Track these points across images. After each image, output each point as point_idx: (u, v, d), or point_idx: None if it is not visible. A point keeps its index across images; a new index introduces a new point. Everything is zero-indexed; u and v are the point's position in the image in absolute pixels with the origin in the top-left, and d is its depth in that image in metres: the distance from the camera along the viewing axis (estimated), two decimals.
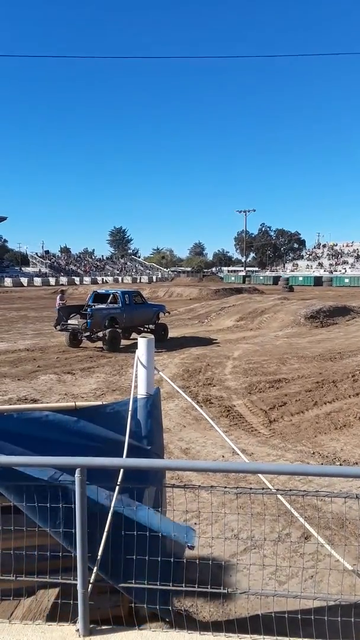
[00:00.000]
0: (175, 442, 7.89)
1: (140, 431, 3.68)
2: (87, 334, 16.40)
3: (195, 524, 4.96)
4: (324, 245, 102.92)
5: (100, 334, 16.27)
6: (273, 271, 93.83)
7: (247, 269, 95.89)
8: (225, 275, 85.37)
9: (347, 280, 67.34)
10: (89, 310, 16.48)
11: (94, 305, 17.15)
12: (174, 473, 6.24)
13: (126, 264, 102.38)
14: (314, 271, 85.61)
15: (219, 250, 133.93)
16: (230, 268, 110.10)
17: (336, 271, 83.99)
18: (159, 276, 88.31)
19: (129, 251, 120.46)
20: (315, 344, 18.28)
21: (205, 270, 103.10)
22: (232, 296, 35.91)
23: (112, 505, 2.98)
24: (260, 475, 3.60)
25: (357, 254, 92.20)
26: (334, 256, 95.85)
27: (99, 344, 16.47)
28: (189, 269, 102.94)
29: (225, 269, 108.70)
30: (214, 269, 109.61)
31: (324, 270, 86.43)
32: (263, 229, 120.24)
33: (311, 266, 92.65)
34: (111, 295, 18.10)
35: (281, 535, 4.86)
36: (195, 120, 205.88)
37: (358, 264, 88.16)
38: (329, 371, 12.98)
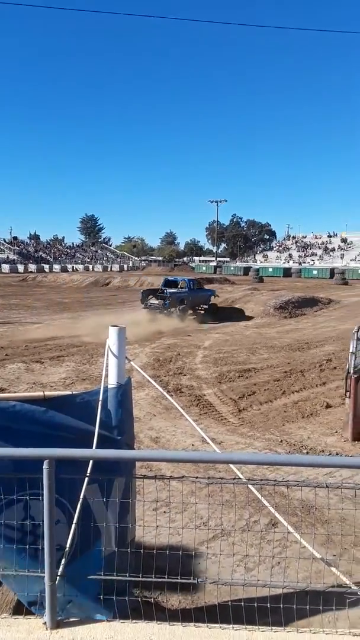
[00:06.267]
0: (146, 431, 7.87)
1: (111, 421, 3.63)
2: (165, 311, 21.32)
3: (165, 512, 4.97)
4: (294, 237, 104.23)
5: (172, 310, 21.45)
6: (244, 262, 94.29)
7: (218, 259, 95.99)
8: (197, 265, 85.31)
9: (315, 272, 68.32)
10: (166, 293, 21.79)
11: (166, 290, 22.31)
12: (144, 461, 6.22)
13: (97, 252, 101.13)
14: (283, 262, 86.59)
15: (190, 240, 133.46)
16: (202, 258, 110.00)
17: (305, 263, 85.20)
18: (130, 265, 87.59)
19: (100, 239, 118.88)
20: (284, 334, 18.54)
21: (177, 259, 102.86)
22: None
23: (82, 496, 2.93)
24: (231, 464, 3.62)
25: (325, 247, 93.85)
26: (303, 248, 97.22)
27: None
28: (160, 258, 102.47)
29: (196, 258, 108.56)
30: (185, 259, 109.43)
31: (293, 262, 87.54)
32: (234, 219, 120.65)
33: (281, 257, 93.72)
34: (180, 281, 23.98)
35: (249, 522, 4.92)
36: (167, 109, 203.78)
37: (326, 257, 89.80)
38: (297, 361, 13.19)
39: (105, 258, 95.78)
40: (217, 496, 5.12)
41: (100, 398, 3.51)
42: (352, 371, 7.87)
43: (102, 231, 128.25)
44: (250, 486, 3.62)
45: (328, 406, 9.33)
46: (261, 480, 3.27)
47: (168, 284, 23.48)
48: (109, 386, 3.71)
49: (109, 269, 78.45)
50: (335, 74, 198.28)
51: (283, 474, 6.09)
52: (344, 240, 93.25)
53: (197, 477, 3.05)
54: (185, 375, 11.75)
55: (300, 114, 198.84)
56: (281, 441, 7.66)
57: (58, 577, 2.72)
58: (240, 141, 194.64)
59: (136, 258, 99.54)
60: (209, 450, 5.93)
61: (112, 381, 3.74)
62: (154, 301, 21.85)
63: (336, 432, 8.05)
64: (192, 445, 7.36)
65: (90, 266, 79.96)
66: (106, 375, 3.73)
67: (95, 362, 12.57)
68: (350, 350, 7.95)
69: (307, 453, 7.20)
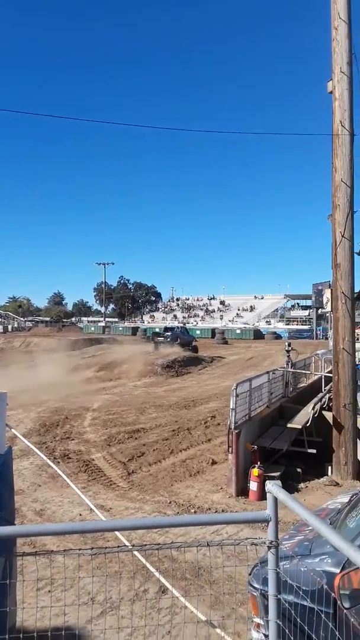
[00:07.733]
0: (29, 504, 7.40)
1: None
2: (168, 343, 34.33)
3: (49, 591, 4.66)
4: (177, 299, 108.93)
5: (173, 343, 34.08)
6: (132, 322, 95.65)
7: (107, 319, 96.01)
8: (85, 326, 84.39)
9: (198, 332, 71.13)
10: (169, 333, 37.22)
11: (166, 333, 37.57)
12: (27, 538, 5.81)
13: None
14: (169, 323, 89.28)
15: (78, 301, 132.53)
16: (90, 318, 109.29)
17: (188, 323, 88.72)
18: (15, 325, 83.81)
19: None
20: (171, 392, 18.90)
21: (65, 320, 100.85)
22: (91, 347, 35.58)
23: None
24: (116, 532, 3.57)
25: (206, 308, 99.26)
26: (187, 309, 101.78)
27: None
28: (47, 318, 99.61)
29: (85, 319, 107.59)
30: (73, 319, 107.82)
31: (178, 322, 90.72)
32: (122, 281, 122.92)
33: (167, 318, 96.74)
34: (175, 327, 42.81)
35: (138, 592, 4.79)
36: (52, 167, 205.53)
37: (207, 317, 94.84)
38: (183, 419, 13.48)
39: None
40: (105, 568, 4.95)
41: None
42: (232, 427, 8.27)
43: None
44: (136, 553, 3.60)
45: (213, 462, 9.60)
46: (146, 545, 3.26)
47: (167, 329, 39.44)
48: None
49: None
50: (223, 138, 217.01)
51: (172, 537, 6.07)
52: (222, 303, 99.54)
53: (80, 549, 2.97)
54: (73, 439, 11.36)
55: (183, 181, 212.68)
56: (170, 502, 7.66)
57: None
58: (127, 206, 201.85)
59: (22, 318, 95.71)
60: (96, 519, 5.76)
61: None
62: (160, 338, 35.76)
63: (221, 488, 8.28)
64: (80, 515, 7.06)
65: None
66: None
67: None
68: (231, 407, 8.39)
69: (195, 512, 7.29)
